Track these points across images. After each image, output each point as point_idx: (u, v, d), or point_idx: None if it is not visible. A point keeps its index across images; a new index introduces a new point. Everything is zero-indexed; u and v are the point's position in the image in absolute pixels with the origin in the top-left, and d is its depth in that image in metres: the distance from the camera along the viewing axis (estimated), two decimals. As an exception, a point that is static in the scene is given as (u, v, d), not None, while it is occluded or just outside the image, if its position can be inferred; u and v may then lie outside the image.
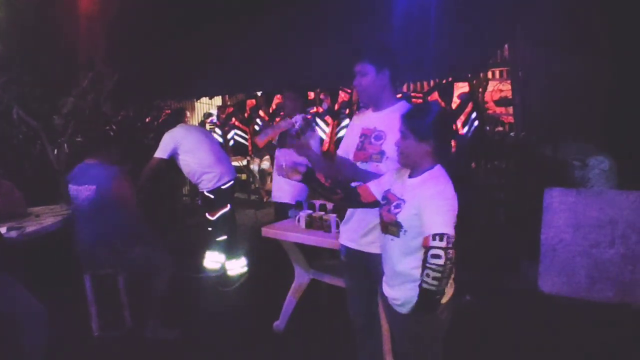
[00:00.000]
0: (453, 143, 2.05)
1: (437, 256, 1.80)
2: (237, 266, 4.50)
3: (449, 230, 1.83)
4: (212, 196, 4.38)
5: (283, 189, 4.04)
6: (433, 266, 1.81)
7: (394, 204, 2.04)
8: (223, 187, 4.42)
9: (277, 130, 3.56)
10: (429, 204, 1.90)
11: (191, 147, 4.31)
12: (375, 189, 2.20)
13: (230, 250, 4.49)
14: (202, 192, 4.41)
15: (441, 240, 1.81)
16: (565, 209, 3.95)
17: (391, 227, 2.04)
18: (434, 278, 1.81)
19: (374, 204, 2.18)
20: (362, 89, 2.39)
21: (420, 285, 1.85)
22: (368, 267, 2.32)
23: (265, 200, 8.67)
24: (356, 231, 2.44)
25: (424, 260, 1.84)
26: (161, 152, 4.25)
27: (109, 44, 5.57)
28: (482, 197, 4.54)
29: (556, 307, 3.74)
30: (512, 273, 4.16)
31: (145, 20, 5.65)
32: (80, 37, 5.50)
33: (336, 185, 2.35)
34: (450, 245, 1.81)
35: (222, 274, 4.51)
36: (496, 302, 3.76)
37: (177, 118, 4.56)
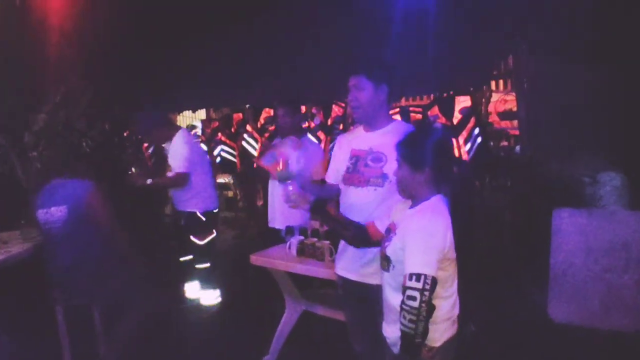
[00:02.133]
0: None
1: (412, 298, 1.81)
2: (212, 297, 4.50)
3: (428, 269, 1.83)
4: (204, 218, 4.37)
5: (281, 215, 4.05)
6: (407, 308, 1.82)
7: (389, 236, 2.07)
8: (214, 211, 4.44)
9: (284, 153, 3.60)
10: (411, 240, 1.91)
11: (199, 160, 4.32)
12: (381, 224, 2.22)
13: (208, 279, 4.47)
14: (193, 213, 4.36)
15: (417, 280, 1.81)
16: (575, 231, 3.98)
17: (382, 260, 2.07)
18: (409, 320, 1.81)
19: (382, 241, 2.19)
20: (357, 104, 2.40)
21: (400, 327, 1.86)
22: (370, 299, 2.32)
23: (254, 218, 8.62)
24: (356, 261, 2.45)
25: (402, 301, 1.84)
26: (185, 164, 4.17)
27: (83, 57, 5.56)
28: (487, 218, 4.56)
29: (567, 336, 3.75)
30: (520, 300, 4.16)
31: (122, 31, 5.67)
32: (52, 51, 5.51)
33: (348, 221, 2.36)
34: (427, 287, 1.80)
35: (197, 304, 4.51)
36: (503, 332, 3.76)
37: (165, 118, 4.53)
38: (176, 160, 4.18)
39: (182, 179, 4.19)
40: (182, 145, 4.22)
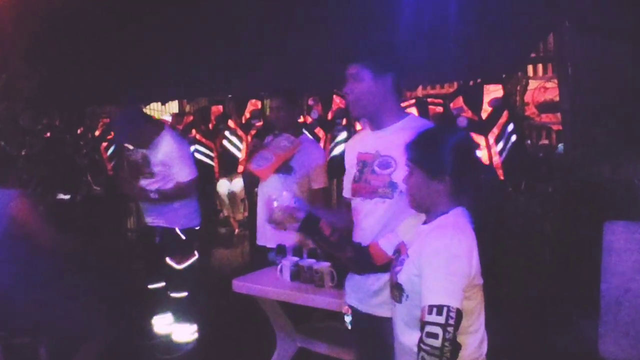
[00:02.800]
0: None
1: (434, 335, 1.80)
2: (187, 332, 4.50)
3: (452, 300, 1.83)
4: (184, 237, 4.41)
5: (269, 230, 4.11)
6: (428, 348, 1.81)
7: (400, 258, 2.08)
8: (196, 228, 4.49)
9: (280, 154, 3.63)
10: (429, 264, 1.91)
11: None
12: (387, 243, 2.23)
13: (184, 311, 4.48)
14: (171, 230, 4.40)
15: (439, 314, 1.80)
16: (632, 249, 3.98)
17: (393, 289, 2.07)
18: None
19: (390, 265, 2.20)
20: (353, 97, 2.43)
21: None
22: (380, 335, 2.32)
23: (236, 232, 8.64)
24: (362, 289, 2.46)
25: (420, 339, 1.84)
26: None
27: (29, 39, 5.56)
28: (522, 232, 4.57)
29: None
30: (564, 332, 4.16)
31: (77, 5, 5.66)
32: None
33: (345, 242, 2.37)
34: (451, 322, 1.80)
35: (167, 340, 4.52)
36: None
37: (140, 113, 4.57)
38: (183, 166, 4.31)
39: (193, 187, 4.34)
40: (182, 145, 4.37)
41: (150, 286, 4.54)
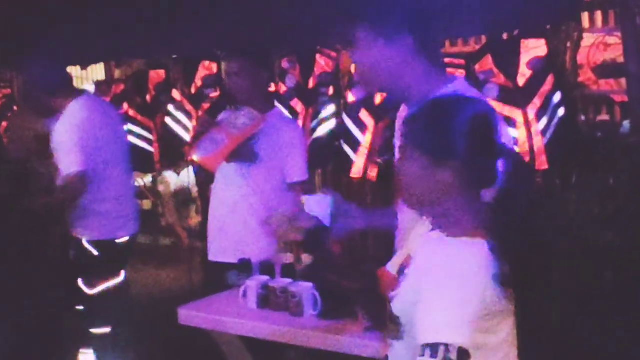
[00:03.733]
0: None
1: None
2: None
3: (453, 335, 1.82)
4: (95, 252, 4.43)
5: (227, 240, 4.13)
6: None
7: (400, 280, 2.10)
8: (118, 240, 4.50)
9: (236, 136, 3.62)
10: (426, 286, 1.92)
11: (103, 148, 4.41)
12: (394, 263, 2.25)
13: (106, 351, 4.50)
14: (78, 242, 4.46)
15: (434, 355, 1.81)
16: None
17: (389, 323, 2.10)
18: None
19: None
20: (364, 70, 2.49)
21: None
22: None
23: (185, 245, 8.61)
24: None
25: None
26: (77, 159, 4.23)
27: None
28: (574, 240, 4.56)
29: None
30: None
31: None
32: None
33: (355, 267, 2.43)
34: None
35: None
36: None
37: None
38: (65, 153, 4.26)
39: (77, 184, 4.25)
40: (73, 122, 4.30)
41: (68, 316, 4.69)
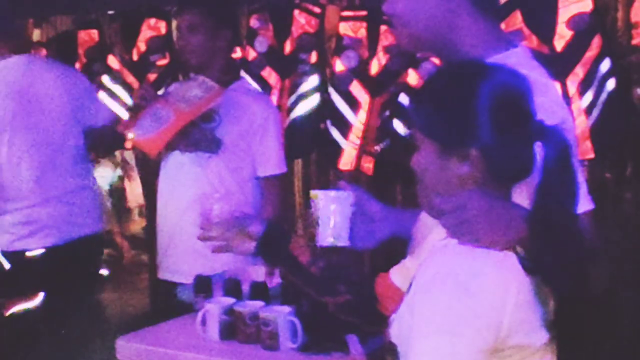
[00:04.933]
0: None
1: None
2: None
3: None
4: (7, 264, 4.49)
5: (180, 252, 4.16)
6: None
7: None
8: (34, 253, 4.52)
9: (185, 111, 3.61)
10: (418, 305, 1.92)
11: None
12: (403, 272, 2.27)
13: None
14: None
15: None
16: None
17: (386, 353, 2.14)
18: None
19: None
20: (402, 22, 2.47)
21: None
22: None
23: (126, 258, 8.61)
24: None
25: None
26: None
27: None
28: (629, 249, 4.56)
29: None
30: None
31: None
32: None
33: (336, 275, 2.45)
34: None
35: None
36: None
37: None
38: None
39: None
40: None
41: None
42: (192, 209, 4.06)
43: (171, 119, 3.90)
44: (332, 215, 2.54)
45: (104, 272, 6.38)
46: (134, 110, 4.14)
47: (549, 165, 1.94)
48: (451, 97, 2.02)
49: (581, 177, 2.22)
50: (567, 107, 2.55)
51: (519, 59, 2.39)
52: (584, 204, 2.20)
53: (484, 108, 1.95)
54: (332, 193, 2.61)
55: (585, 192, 2.25)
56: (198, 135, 4.01)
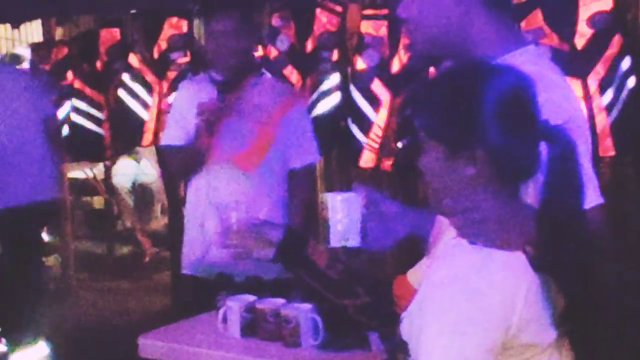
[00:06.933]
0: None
1: None
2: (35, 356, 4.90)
3: None
4: None
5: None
6: None
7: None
8: None
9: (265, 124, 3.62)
10: (430, 305, 1.93)
11: None
12: (417, 276, 2.29)
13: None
14: None
15: None
16: None
17: (398, 350, 2.14)
18: None
19: None
20: (416, 26, 2.48)
21: None
22: None
23: (148, 255, 8.59)
24: None
25: None
26: None
27: None
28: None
29: None
30: None
31: None
32: None
33: (355, 278, 2.45)
34: None
35: None
36: None
37: None
38: None
39: None
40: None
41: None
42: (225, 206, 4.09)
43: (254, 133, 4.03)
44: (341, 217, 2.57)
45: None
46: (207, 127, 4.07)
47: (554, 165, 1.96)
48: (456, 100, 2.03)
49: (591, 173, 2.26)
50: (578, 104, 2.55)
51: (528, 56, 2.42)
52: (593, 199, 2.21)
53: (489, 109, 1.96)
54: (340, 196, 2.64)
55: (595, 187, 2.26)
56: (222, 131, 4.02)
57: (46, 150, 5.80)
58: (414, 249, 2.62)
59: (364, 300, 2.38)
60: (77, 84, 6.86)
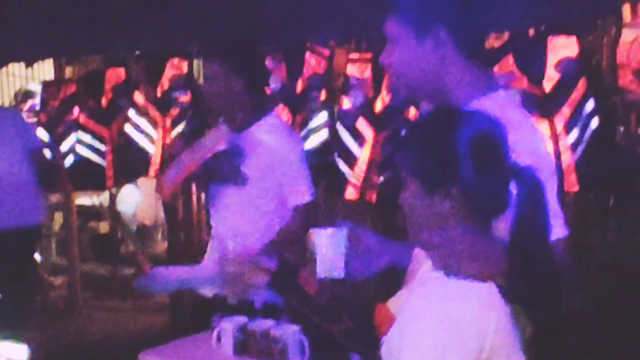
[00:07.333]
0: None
1: None
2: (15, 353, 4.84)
3: None
4: None
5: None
6: None
7: None
8: None
9: (188, 162, 3.81)
10: (407, 332, 2.01)
11: None
12: (397, 305, 2.38)
13: None
14: None
15: None
16: None
17: None
18: None
19: None
20: (394, 72, 2.64)
21: None
22: None
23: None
24: None
25: None
26: None
27: None
28: (613, 283, 4.72)
29: None
30: None
31: None
32: None
33: (341, 305, 2.52)
34: None
35: None
36: None
37: None
38: None
39: None
40: None
41: None
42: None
43: (185, 165, 4.06)
44: (326, 251, 2.64)
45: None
46: (168, 161, 4.24)
47: (522, 202, 2.02)
48: (432, 143, 2.12)
49: (557, 207, 2.36)
50: (545, 144, 2.60)
51: (498, 101, 2.51)
52: (559, 232, 2.31)
53: (462, 151, 2.05)
54: (325, 232, 2.70)
55: (561, 220, 2.36)
56: (226, 170, 4.08)
57: (30, 179, 5.98)
58: (395, 279, 2.65)
59: (349, 326, 2.41)
60: (82, 119, 6.93)
